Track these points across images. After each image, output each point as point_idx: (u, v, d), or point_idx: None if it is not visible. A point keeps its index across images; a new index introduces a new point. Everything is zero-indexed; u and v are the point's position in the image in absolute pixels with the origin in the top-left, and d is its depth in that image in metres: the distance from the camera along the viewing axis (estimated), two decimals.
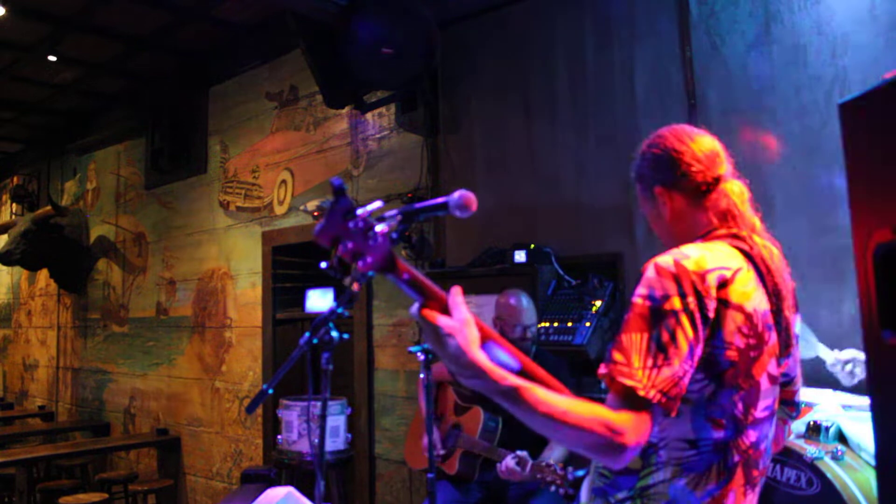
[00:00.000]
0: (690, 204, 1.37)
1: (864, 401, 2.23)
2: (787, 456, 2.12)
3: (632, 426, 1.08)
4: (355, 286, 1.05)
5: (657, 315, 1.15)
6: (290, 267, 5.30)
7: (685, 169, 1.37)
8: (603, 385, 1.16)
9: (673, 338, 1.13)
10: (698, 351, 1.16)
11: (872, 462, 1.94)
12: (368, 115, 4.67)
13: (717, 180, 1.37)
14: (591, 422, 1.07)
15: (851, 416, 2.25)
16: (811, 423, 2.23)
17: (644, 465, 1.22)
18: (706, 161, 1.37)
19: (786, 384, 1.46)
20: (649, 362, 1.12)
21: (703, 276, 1.18)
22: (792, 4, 2.95)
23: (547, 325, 3.30)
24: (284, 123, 5.31)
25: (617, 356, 1.14)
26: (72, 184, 7.82)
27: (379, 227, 1.05)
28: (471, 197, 1.19)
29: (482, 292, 3.57)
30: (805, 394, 2.45)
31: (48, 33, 5.41)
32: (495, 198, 3.86)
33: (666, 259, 1.21)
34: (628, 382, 1.11)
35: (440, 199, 1.20)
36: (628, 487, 1.23)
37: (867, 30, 2.74)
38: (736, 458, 1.22)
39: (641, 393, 1.10)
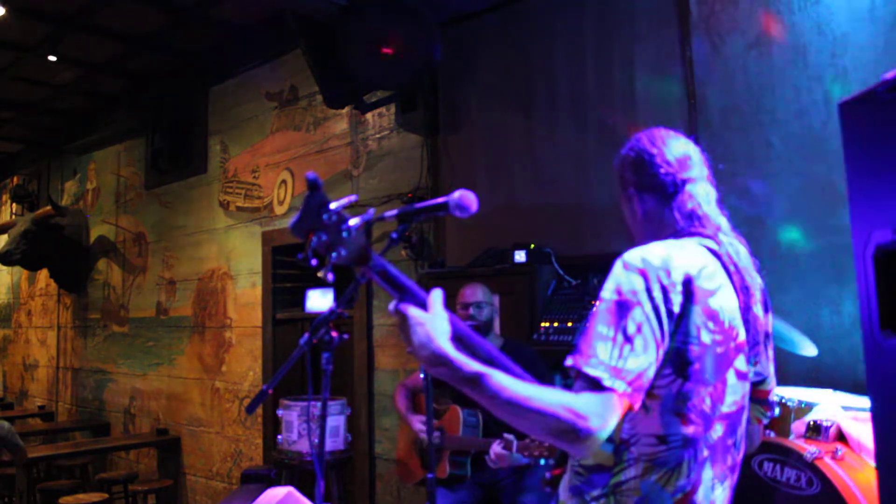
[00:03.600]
0: (659, 205, 1.41)
1: (864, 401, 2.23)
2: (787, 456, 2.12)
3: (595, 411, 1.09)
4: (329, 277, 1.07)
5: (624, 308, 1.17)
6: (290, 267, 5.30)
7: (655, 171, 1.41)
8: (572, 374, 1.17)
9: (639, 330, 1.16)
10: (664, 344, 1.18)
11: (872, 462, 1.94)
12: (368, 115, 4.67)
13: (685, 182, 1.40)
14: (554, 407, 1.09)
15: (851, 416, 2.25)
16: (811, 423, 2.23)
17: (616, 461, 1.24)
18: (676, 164, 1.41)
19: (758, 383, 1.48)
20: (615, 353, 1.14)
21: (668, 271, 1.21)
22: (792, 4, 2.95)
23: (547, 325, 3.30)
24: (284, 123, 5.31)
25: (583, 347, 1.16)
26: (72, 184, 7.82)
27: (353, 221, 1.07)
28: (471, 197, 1.20)
29: None
30: (805, 394, 2.45)
31: (48, 33, 5.41)
32: (495, 198, 3.86)
33: (633, 255, 1.24)
34: (593, 373, 1.12)
35: (440, 199, 1.20)
36: (602, 485, 1.24)
37: (867, 30, 2.74)
38: (705, 453, 1.24)
39: (607, 383, 1.12)
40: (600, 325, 1.17)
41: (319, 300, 5.13)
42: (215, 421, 5.69)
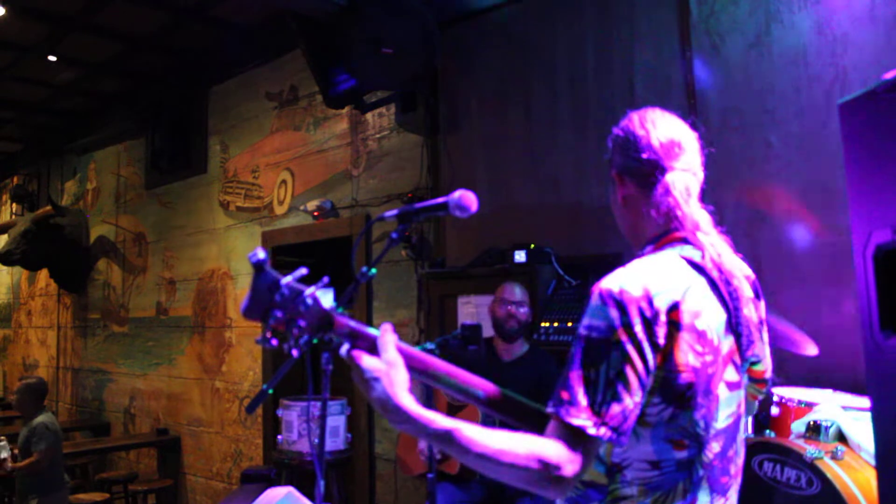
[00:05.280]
0: (639, 193, 1.32)
1: (864, 401, 2.23)
2: (787, 456, 2.12)
3: (568, 458, 1.06)
4: (294, 353, 1.04)
5: (603, 348, 1.11)
6: (290, 267, 5.25)
7: (637, 154, 1.32)
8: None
9: (620, 372, 1.10)
10: (649, 381, 1.13)
11: (872, 462, 1.94)
12: (368, 115, 4.67)
13: (665, 171, 1.30)
14: (526, 459, 1.06)
15: (851, 416, 2.25)
16: (811, 423, 2.23)
17: (610, 481, 1.20)
18: (661, 149, 1.30)
19: (754, 364, 1.44)
20: (598, 398, 1.09)
21: (650, 300, 1.13)
22: (792, 4, 2.95)
23: (547, 325, 3.30)
24: (284, 123, 5.31)
25: (564, 395, 1.10)
26: (72, 184, 7.82)
27: (308, 290, 1.03)
28: (471, 197, 1.19)
29: (482, 292, 3.57)
30: (805, 394, 2.45)
31: (48, 33, 5.41)
32: (495, 198, 3.86)
33: (610, 285, 1.15)
34: (576, 422, 1.07)
35: (440, 199, 1.20)
36: (598, 500, 1.21)
37: (867, 30, 2.74)
38: (701, 473, 1.20)
39: (591, 431, 1.07)
40: (579, 368, 1.11)
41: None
42: (215, 421, 5.68)
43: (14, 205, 8.47)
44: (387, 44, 3.74)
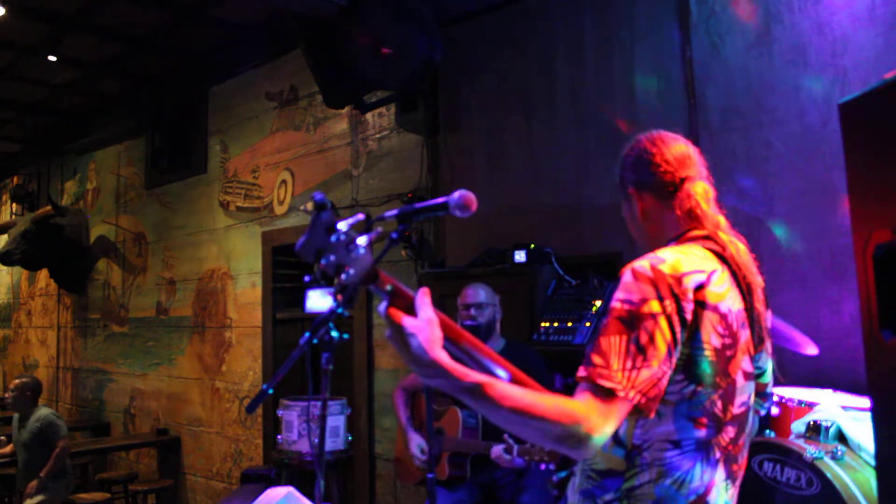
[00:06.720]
0: (659, 204, 1.42)
1: (864, 401, 2.23)
2: (787, 456, 2.12)
3: (597, 417, 1.10)
4: (339, 297, 1.06)
5: (636, 318, 1.18)
6: (290, 267, 5.30)
7: (654, 170, 1.42)
8: (579, 382, 1.17)
9: (651, 340, 1.16)
10: (676, 353, 1.19)
11: (872, 462, 1.94)
12: (368, 115, 4.67)
13: (684, 181, 1.41)
14: (556, 414, 1.09)
15: (851, 416, 2.25)
16: (811, 423, 2.23)
17: (628, 466, 1.24)
18: (675, 163, 1.42)
19: (758, 376, 1.49)
20: (628, 364, 1.14)
21: (679, 279, 1.21)
22: (792, 4, 2.95)
23: (547, 325, 3.30)
24: (284, 123, 5.31)
25: (596, 359, 1.16)
26: (72, 184, 7.82)
27: (361, 240, 1.06)
28: (471, 197, 1.20)
29: None
30: (805, 394, 2.45)
31: (48, 33, 5.41)
32: (495, 198, 3.86)
33: (643, 264, 1.24)
34: (608, 384, 1.12)
35: (440, 199, 1.20)
36: (615, 489, 1.25)
37: (867, 30, 2.74)
38: (717, 455, 1.25)
39: (621, 394, 1.12)
40: (612, 336, 1.17)
41: (319, 300, 5.13)
42: (215, 421, 5.68)
43: (14, 205, 8.46)
44: (387, 44, 3.74)
